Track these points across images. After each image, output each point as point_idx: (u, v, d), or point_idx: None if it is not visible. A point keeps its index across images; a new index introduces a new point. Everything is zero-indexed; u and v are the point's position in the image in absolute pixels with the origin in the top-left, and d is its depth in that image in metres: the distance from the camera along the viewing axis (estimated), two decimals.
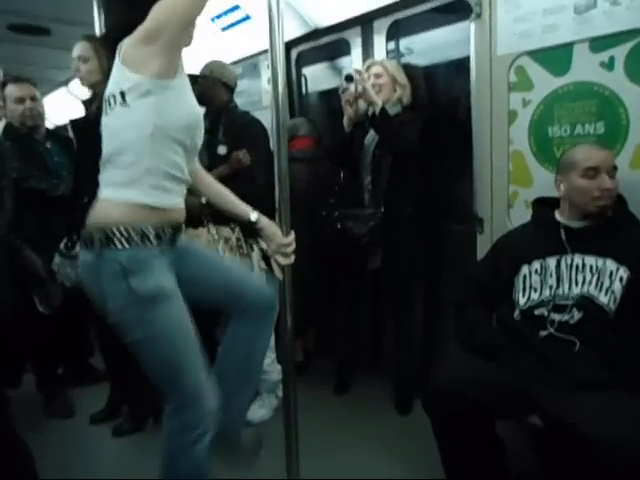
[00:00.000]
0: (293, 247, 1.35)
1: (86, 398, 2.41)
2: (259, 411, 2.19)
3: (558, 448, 1.33)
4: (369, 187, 2.16)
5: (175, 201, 1.20)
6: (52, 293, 1.81)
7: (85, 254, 1.17)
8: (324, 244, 2.30)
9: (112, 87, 1.13)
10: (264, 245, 1.45)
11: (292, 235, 1.36)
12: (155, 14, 1.05)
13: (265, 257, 2.18)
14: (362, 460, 1.84)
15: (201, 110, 1.30)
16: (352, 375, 2.43)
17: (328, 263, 2.39)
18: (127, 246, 1.10)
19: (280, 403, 2.02)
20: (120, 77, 1.12)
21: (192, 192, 1.49)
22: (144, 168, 1.11)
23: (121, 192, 1.14)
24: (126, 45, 1.11)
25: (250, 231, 1.63)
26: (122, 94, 1.10)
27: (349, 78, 2.00)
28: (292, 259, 1.35)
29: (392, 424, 2.09)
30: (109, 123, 1.16)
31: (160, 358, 1.16)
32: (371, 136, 2.15)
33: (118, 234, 1.10)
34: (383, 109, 1.98)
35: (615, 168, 1.42)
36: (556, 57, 1.67)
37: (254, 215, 1.35)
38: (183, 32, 1.09)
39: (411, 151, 2.01)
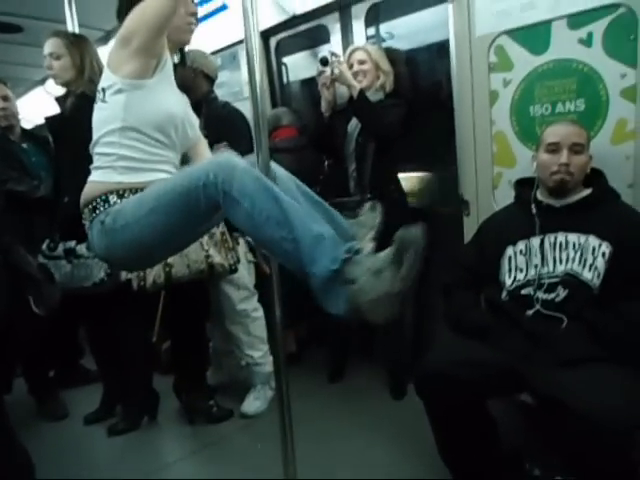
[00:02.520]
0: None
1: (79, 399, 2.40)
2: (254, 403, 2.19)
3: (549, 425, 1.34)
4: (354, 175, 2.14)
5: (156, 176, 1.22)
6: (46, 294, 1.77)
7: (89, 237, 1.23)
8: None
9: (100, 84, 1.23)
10: (250, 238, 1.41)
11: None
12: (127, 21, 1.14)
13: (252, 249, 2.16)
14: (358, 446, 1.85)
15: (180, 108, 1.28)
16: (346, 362, 2.44)
17: None
18: (107, 206, 1.17)
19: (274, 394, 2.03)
20: (104, 75, 1.22)
21: None
22: (117, 157, 1.19)
23: (100, 175, 1.21)
24: (111, 47, 1.21)
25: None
26: (103, 90, 1.21)
27: (324, 61, 1.97)
28: None
29: (387, 409, 2.11)
30: (94, 116, 1.25)
31: (181, 208, 1.08)
32: (354, 123, 2.12)
33: (101, 202, 1.18)
34: (362, 92, 1.96)
35: (580, 145, 1.42)
36: (535, 35, 1.67)
37: None
38: (155, 37, 1.14)
39: (392, 135, 1.99)
